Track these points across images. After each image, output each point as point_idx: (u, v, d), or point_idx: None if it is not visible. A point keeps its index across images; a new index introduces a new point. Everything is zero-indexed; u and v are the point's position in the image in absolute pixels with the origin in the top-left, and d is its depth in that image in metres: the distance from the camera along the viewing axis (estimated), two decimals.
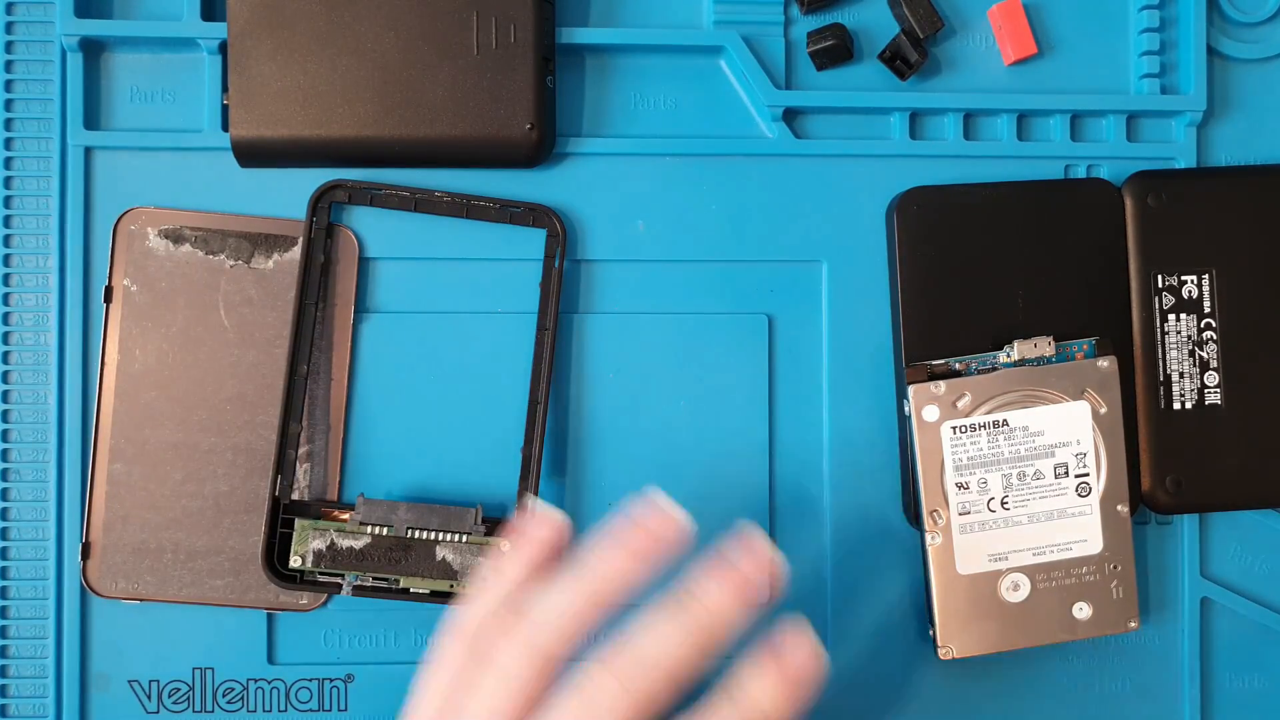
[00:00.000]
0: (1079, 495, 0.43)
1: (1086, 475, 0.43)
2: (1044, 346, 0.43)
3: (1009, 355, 0.44)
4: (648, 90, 0.46)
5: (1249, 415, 0.45)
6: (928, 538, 0.43)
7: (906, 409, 0.43)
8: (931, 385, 0.43)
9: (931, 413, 0.43)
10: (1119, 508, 0.44)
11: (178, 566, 0.44)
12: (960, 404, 0.43)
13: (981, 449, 0.43)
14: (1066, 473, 0.43)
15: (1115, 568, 0.44)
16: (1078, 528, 0.44)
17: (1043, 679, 0.46)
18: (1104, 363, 0.43)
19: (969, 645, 0.44)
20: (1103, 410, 0.43)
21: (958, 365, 0.44)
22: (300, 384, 0.44)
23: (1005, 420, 0.43)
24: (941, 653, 0.44)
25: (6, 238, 0.45)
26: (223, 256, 0.45)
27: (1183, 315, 0.45)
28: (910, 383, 0.43)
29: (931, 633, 0.44)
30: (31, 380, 0.45)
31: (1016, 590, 0.44)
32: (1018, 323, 0.45)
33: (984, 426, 0.43)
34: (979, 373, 0.44)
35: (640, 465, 0.46)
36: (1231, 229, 0.45)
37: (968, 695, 0.46)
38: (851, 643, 0.46)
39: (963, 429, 0.43)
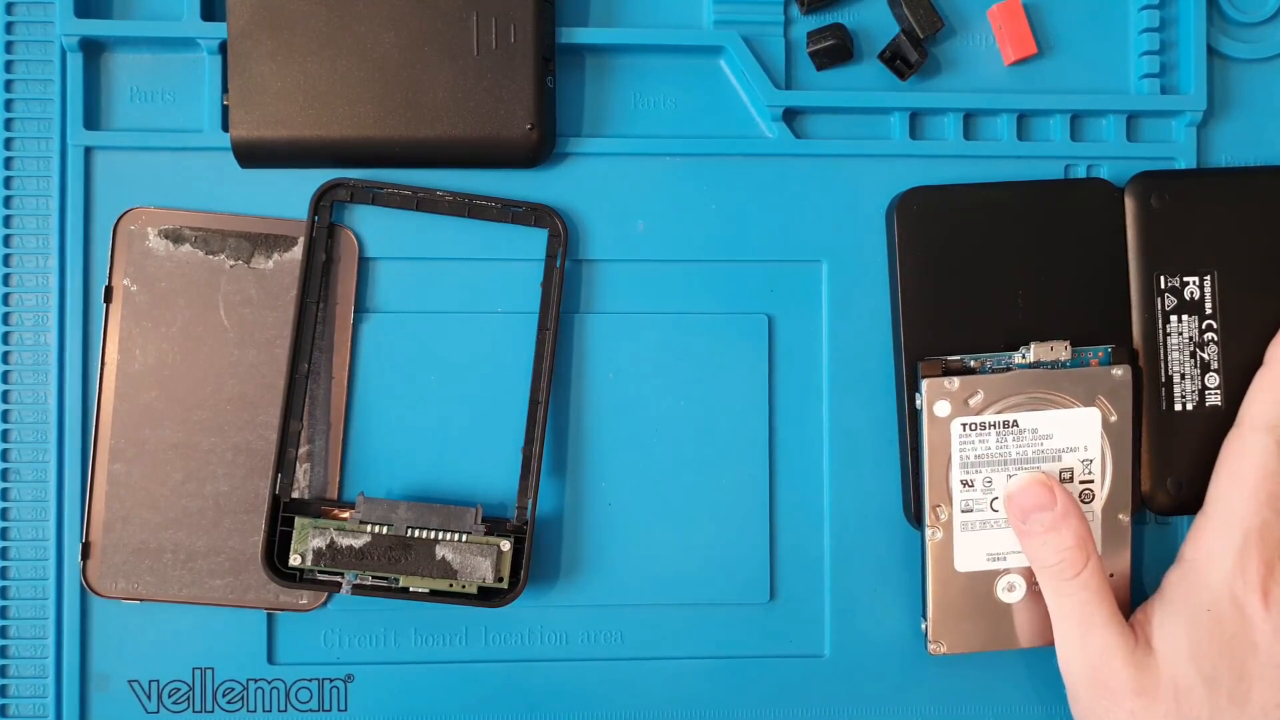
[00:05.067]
0: (1082, 501, 0.43)
1: (1091, 482, 0.43)
2: (1060, 350, 0.43)
3: (1024, 357, 0.44)
4: (648, 90, 0.46)
5: None
6: (928, 532, 0.43)
7: (919, 402, 0.43)
8: (945, 380, 0.43)
9: (943, 408, 0.43)
10: (1120, 516, 0.44)
11: (178, 566, 0.44)
12: (972, 401, 0.43)
13: (989, 448, 0.43)
14: (1071, 478, 0.43)
15: (1110, 575, 0.44)
16: None
17: (1042, 678, 0.46)
18: (1118, 371, 0.43)
19: (960, 643, 0.44)
20: (1113, 419, 0.43)
21: (972, 363, 0.44)
22: (301, 382, 0.44)
23: (1015, 421, 0.43)
24: (932, 648, 0.44)
25: (6, 238, 0.45)
26: (223, 256, 0.45)
27: (1184, 316, 0.45)
28: (925, 376, 0.43)
29: (924, 627, 0.44)
30: (31, 380, 0.45)
31: (1012, 591, 0.44)
32: (1018, 323, 0.45)
33: (994, 426, 0.43)
34: (993, 372, 0.44)
35: (640, 465, 0.46)
36: (1234, 230, 0.45)
37: (966, 694, 0.46)
38: (851, 642, 0.46)
39: (973, 426, 0.43)
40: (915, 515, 0.45)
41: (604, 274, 0.46)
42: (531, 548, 0.44)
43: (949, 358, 0.44)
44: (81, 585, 0.44)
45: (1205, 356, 0.45)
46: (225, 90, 0.44)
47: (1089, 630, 0.42)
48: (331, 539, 0.43)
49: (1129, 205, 0.45)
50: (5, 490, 0.45)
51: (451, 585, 0.43)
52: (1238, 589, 0.41)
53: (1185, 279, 0.45)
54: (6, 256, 0.45)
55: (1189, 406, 0.45)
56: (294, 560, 0.43)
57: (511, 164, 0.45)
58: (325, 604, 0.45)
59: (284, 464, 0.44)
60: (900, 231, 0.45)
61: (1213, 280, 0.45)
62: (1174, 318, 0.45)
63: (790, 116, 0.46)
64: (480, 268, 0.45)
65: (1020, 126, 0.46)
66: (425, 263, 0.45)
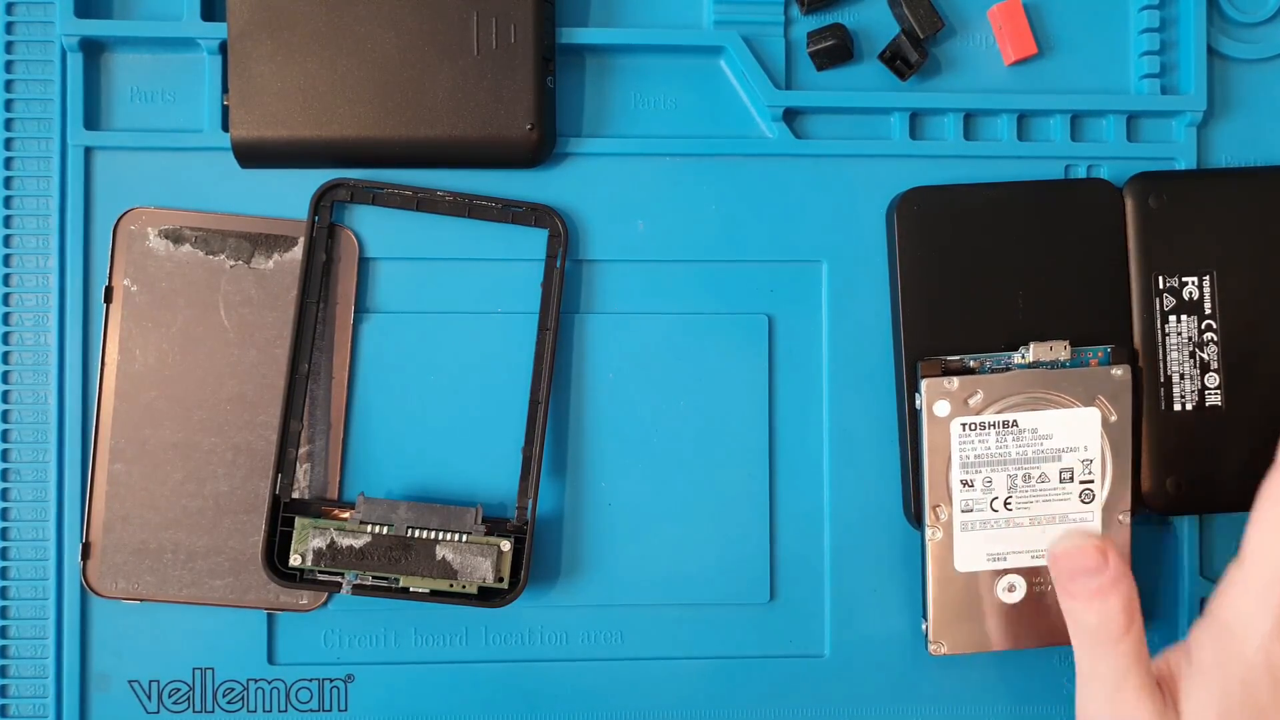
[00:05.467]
0: (1082, 501, 0.43)
1: (1091, 482, 0.43)
2: (1059, 350, 0.43)
3: (1024, 357, 0.44)
4: (648, 90, 0.46)
5: (1249, 417, 0.45)
6: (928, 532, 0.43)
7: (919, 402, 0.43)
8: (945, 380, 0.43)
9: (943, 408, 0.43)
10: (1120, 516, 0.44)
11: (178, 566, 0.44)
12: (972, 401, 0.43)
13: (989, 448, 0.43)
14: (1071, 478, 0.43)
15: None
16: None
17: (1042, 679, 0.46)
18: (1118, 371, 0.43)
19: (960, 643, 0.44)
20: (1113, 419, 0.43)
21: (972, 363, 0.44)
22: (301, 382, 0.44)
23: (1015, 421, 0.43)
24: (932, 648, 0.44)
25: (6, 238, 0.45)
26: (223, 256, 0.45)
27: (1183, 317, 0.45)
28: (924, 376, 0.43)
29: (924, 627, 0.44)
30: (31, 380, 0.45)
31: (1012, 591, 0.44)
32: (1018, 323, 0.45)
33: (993, 425, 0.43)
34: (993, 372, 0.44)
35: (640, 465, 0.46)
36: (1233, 230, 0.45)
37: (966, 694, 0.46)
38: (851, 642, 0.46)
39: (972, 426, 0.43)
40: (915, 515, 0.45)
41: (604, 274, 0.46)
42: (531, 548, 0.44)
43: (949, 358, 0.44)
44: (81, 585, 0.44)
45: (1205, 356, 0.45)
46: (225, 90, 0.44)
47: (1120, 693, 0.39)
48: (331, 539, 0.43)
49: (1128, 205, 0.45)
50: (5, 490, 0.45)
51: (451, 585, 0.43)
52: (1275, 656, 0.38)
53: (1184, 279, 0.45)
54: (6, 256, 0.45)
55: (1188, 406, 0.45)
56: (294, 560, 0.43)
57: (511, 164, 0.45)
58: (325, 604, 0.45)
59: (284, 464, 0.44)
60: (900, 231, 0.45)
61: (1212, 280, 0.45)
62: (1173, 318, 0.45)
63: (790, 116, 0.46)
64: (480, 268, 0.45)
65: (1020, 126, 0.46)
66: (425, 263, 0.45)
